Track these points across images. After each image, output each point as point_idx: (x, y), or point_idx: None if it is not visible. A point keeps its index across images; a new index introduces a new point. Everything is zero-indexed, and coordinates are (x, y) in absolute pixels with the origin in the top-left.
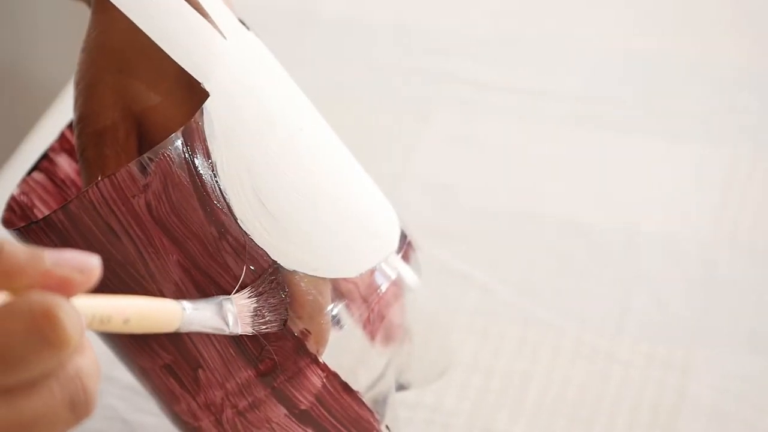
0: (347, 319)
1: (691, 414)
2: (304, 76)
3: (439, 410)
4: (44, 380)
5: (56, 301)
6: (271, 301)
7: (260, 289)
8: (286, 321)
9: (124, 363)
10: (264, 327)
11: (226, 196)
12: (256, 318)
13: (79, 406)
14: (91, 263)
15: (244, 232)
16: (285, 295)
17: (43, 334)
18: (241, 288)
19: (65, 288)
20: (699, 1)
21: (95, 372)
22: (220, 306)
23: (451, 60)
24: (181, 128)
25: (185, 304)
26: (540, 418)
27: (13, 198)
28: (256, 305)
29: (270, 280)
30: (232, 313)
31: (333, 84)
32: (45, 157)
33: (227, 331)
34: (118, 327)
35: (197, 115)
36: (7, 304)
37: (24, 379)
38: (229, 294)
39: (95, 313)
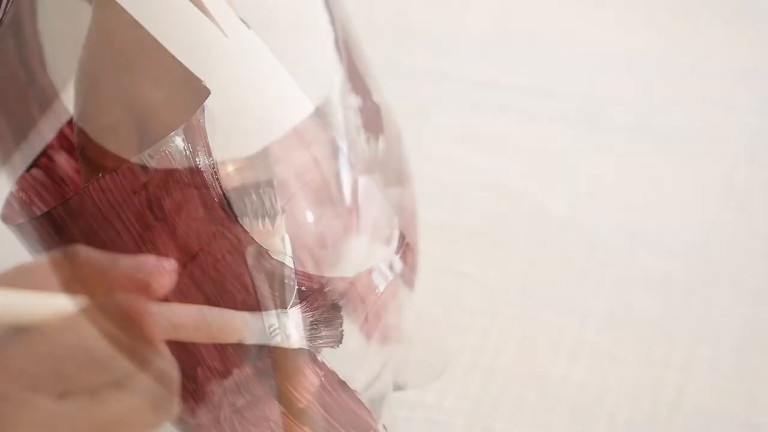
0: (345, 319)
1: (691, 414)
2: (304, 76)
3: (439, 409)
4: (128, 381)
5: (141, 302)
6: (326, 316)
7: (315, 304)
8: (342, 337)
9: None
10: (321, 342)
11: (227, 194)
12: (312, 332)
13: (161, 409)
14: (168, 267)
15: (245, 230)
16: (340, 311)
17: (130, 334)
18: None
19: (143, 292)
20: (699, 1)
21: (176, 375)
22: (278, 319)
23: (451, 60)
24: (182, 126)
25: (247, 316)
26: (540, 417)
27: (11, 194)
28: (311, 320)
29: (324, 295)
30: (291, 327)
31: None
32: (44, 154)
33: (287, 345)
34: (189, 334)
35: (198, 113)
36: (93, 306)
37: (109, 379)
38: (231, 291)
39: (170, 318)
